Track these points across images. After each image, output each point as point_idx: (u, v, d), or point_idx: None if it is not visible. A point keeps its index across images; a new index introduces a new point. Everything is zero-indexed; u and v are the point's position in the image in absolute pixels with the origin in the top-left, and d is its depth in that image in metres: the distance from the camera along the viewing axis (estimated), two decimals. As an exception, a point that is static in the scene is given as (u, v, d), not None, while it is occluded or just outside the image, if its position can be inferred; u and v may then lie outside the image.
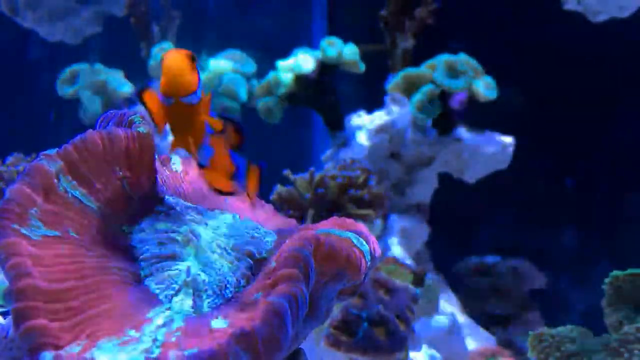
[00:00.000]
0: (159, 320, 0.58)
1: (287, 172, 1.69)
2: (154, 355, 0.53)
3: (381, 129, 1.99)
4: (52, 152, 0.65)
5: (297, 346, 0.68)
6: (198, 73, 0.68)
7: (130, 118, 0.71)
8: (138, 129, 0.69)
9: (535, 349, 1.07)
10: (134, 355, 0.53)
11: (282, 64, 2.08)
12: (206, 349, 0.53)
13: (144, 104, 0.68)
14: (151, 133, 0.70)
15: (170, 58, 0.66)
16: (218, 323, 0.57)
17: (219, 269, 0.65)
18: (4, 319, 0.75)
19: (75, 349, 0.54)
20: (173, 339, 0.55)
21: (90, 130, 0.68)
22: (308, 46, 2.13)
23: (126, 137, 0.68)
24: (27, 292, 0.56)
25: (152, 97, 0.69)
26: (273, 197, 1.68)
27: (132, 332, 0.56)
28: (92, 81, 2.23)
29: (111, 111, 0.75)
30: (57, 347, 0.54)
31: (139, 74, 2.32)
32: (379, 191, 1.70)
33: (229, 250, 0.68)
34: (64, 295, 0.57)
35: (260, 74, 2.20)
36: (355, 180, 1.68)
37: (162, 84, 0.66)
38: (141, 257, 0.65)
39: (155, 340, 0.55)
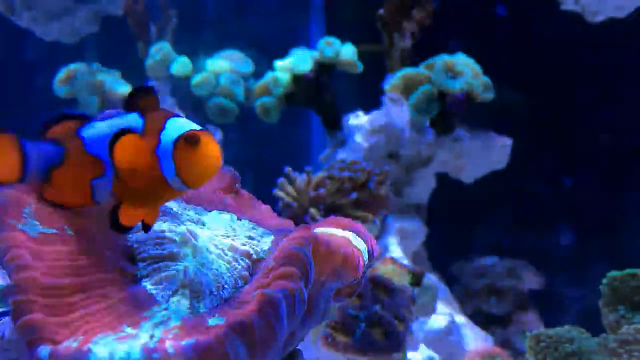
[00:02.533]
0: (156, 319, 0.58)
1: (287, 170, 1.68)
2: (151, 346, 0.53)
3: (379, 129, 1.98)
4: None
5: (295, 346, 0.67)
6: None
7: None
8: None
9: (533, 350, 1.07)
10: (132, 346, 0.53)
11: (279, 64, 2.07)
12: (203, 338, 0.53)
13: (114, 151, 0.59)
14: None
15: (215, 150, 0.59)
16: (214, 321, 0.57)
17: (217, 270, 0.65)
18: (0, 319, 0.75)
19: (72, 343, 0.54)
20: (170, 336, 0.55)
21: None
22: (306, 46, 2.13)
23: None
24: (26, 285, 0.56)
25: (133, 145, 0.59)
26: (276, 191, 1.67)
27: (129, 329, 0.56)
28: (88, 81, 2.23)
29: (107, 111, 0.75)
30: (54, 342, 0.54)
31: (136, 73, 2.32)
32: (379, 193, 1.69)
33: (227, 251, 0.68)
34: (62, 291, 0.57)
35: (258, 74, 2.20)
36: (355, 181, 1.68)
37: (194, 174, 0.59)
38: (138, 257, 0.65)
39: (152, 336, 0.55)
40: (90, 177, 0.61)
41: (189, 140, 0.58)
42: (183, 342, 0.53)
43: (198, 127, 0.60)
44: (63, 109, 0.63)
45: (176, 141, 0.59)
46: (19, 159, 0.60)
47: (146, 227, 0.63)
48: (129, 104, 0.62)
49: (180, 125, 0.60)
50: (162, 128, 0.60)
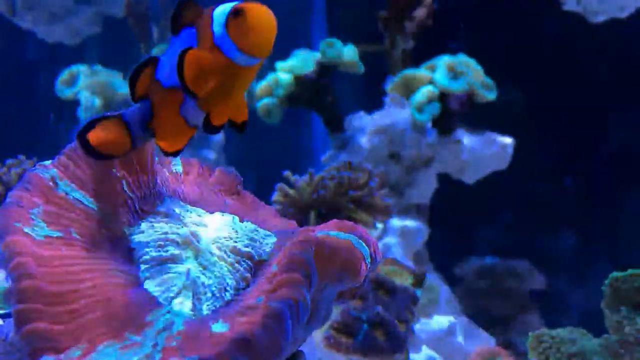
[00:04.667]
0: (159, 324, 0.58)
1: (287, 174, 1.68)
2: None
3: (381, 130, 1.99)
4: (47, 162, 0.66)
5: (297, 348, 0.68)
6: None
7: None
8: None
9: (535, 350, 1.07)
10: None
11: (281, 65, 2.08)
12: (206, 355, 0.53)
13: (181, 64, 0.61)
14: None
15: (263, 12, 0.59)
16: (218, 327, 0.57)
17: (219, 272, 0.65)
18: (3, 321, 0.75)
19: (75, 353, 0.54)
20: (174, 344, 0.55)
21: None
22: (307, 47, 2.13)
23: None
24: (30, 293, 0.55)
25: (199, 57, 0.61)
26: (275, 197, 1.67)
27: (133, 337, 0.56)
28: (91, 82, 2.23)
29: (107, 113, 0.75)
30: (58, 351, 0.54)
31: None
32: (381, 198, 1.69)
33: (229, 253, 0.68)
34: (66, 298, 0.57)
35: (260, 75, 2.20)
36: (356, 181, 1.68)
37: (254, 41, 0.60)
38: (141, 259, 0.65)
39: (155, 345, 0.55)
40: (177, 108, 0.64)
41: (235, 15, 0.60)
42: (186, 359, 0.53)
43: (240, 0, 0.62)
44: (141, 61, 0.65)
45: (225, 22, 0.60)
46: (124, 131, 0.65)
47: (242, 127, 0.65)
48: (178, 24, 0.64)
49: (224, 8, 0.61)
50: (211, 23, 0.61)
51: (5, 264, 0.58)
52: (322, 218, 1.62)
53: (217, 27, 0.61)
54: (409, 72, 2.00)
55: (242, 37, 0.60)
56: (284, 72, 2.06)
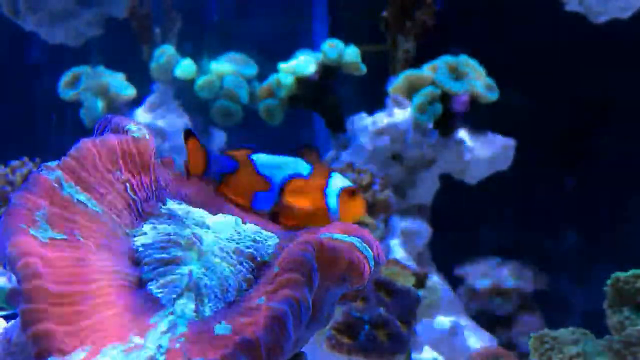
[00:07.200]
0: (163, 326, 0.58)
1: None
2: None
3: (383, 131, 1.99)
4: (52, 164, 0.66)
5: (299, 349, 0.68)
6: None
7: (126, 127, 0.72)
8: (133, 134, 0.70)
9: (537, 351, 1.07)
10: None
11: (283, 66, 2.08)
12: (210, 359, 0.53)
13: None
14: (147, 137, 0.71)
15: (362, 201, 0.81)
16: (221, 329, 0.57)
17: (221, 273, 0.66)
18: (6, 322, 0.76)
19: (80, 354, 0.54)
20: (177, 346, 0.56)
21: (83, 139, 0.69)
22: (309, 48, 2.13)
23: (119, 142, 0.69)
24: (37, 293, 0.55)
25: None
26: None
27: (137, 339, 0.56)
28: (93, 84, 2.23)
29: (107, 116, 0.76)
30: (64, 352, 0.54)
31: (141, 76, 2.32)
32: (382, 196, 1.69)
33: (231, 254, 0.68)
34: (72, 299, 0.57)
35: (262, 76, 2.21)
36: (358, 183, 1.68)
37: (349, 216, 0.79)
38: (144, 261, 0.65)
39: (159, 347, 0.55)
40: (255, 190, 0.82)
41: (351, 192, 0.81)
42: None
43: (351, 183, 0.83)
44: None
45: (342, 189, 0.81)
46: (204, 162, 0.82)
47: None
48: (297, 153, 0.85)
49: (341, 179, 0.83)
50: (329, 176, 0.82)
51: (11, 264, 0.58)
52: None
53: (333, 185, 0.81)
54: (411, 73, 2.01)
55: (345, 206, 0.80)
56: (286, 73, 2.07)
